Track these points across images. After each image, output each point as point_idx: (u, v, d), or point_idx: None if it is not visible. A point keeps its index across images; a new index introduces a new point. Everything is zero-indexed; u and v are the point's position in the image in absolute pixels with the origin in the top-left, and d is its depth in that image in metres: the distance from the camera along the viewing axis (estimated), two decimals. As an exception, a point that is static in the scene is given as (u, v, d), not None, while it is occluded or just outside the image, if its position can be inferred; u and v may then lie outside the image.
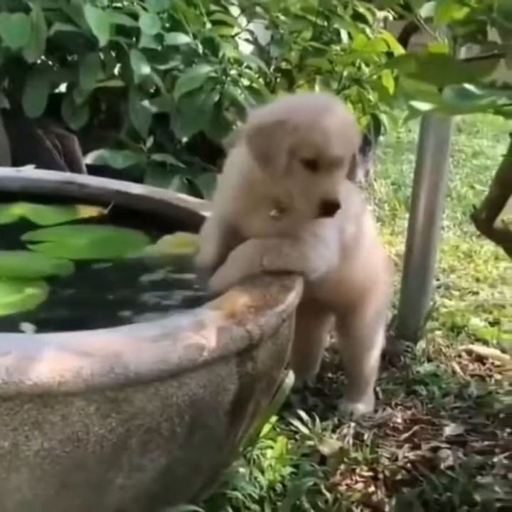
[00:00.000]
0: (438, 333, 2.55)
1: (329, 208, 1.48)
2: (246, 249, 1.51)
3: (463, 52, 1.43)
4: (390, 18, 4.00)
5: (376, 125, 3.46)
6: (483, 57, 1.19)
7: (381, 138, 4.89)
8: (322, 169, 1.47)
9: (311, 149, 1.46)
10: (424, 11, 1.25)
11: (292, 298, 1.46)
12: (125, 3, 2.66)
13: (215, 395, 1.28)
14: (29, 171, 2.13)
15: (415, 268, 2.50)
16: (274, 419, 1.79)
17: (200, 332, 1.24)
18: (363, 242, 1.80)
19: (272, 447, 1.75)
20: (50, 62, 2.64)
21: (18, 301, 1.39)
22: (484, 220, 1.34)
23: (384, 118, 3.58)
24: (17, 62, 2.49)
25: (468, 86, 0.92)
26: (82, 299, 1.47)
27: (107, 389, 1.14)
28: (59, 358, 1.11)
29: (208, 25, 2.74)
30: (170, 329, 1.23)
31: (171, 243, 1.73)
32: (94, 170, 2.35)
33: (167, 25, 2.69)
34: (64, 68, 2.59)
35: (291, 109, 1.50)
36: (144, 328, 1.24)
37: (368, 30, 3.45)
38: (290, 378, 1.73)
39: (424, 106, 0.94)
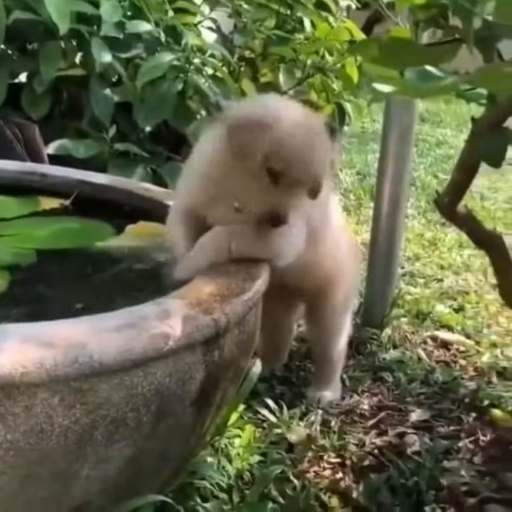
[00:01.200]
0: (403, 320, 2.57)
1: (275, 220, 1.50)
2: (213, 237, 1.50)
3: (427, 38, 1.43)
4: (353, 7, 4.02)
5: (341, 114, 3.46)
6: (445, 42, 1.19)
7: (346, 128, 4.91)
8: (282, 184, 1.48)
9: (281, 164, 1.46)
10: (386, -5, 1.25)
11: (258, 286, 1.45)
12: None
13: (181, 385, 1.27)
14: (-12, 161, 2.09)
15: (380, 256, 2.51)
16: (241, 407, 1.79)
17: (166, 321, 1.23)
18: (330, 228, 1.80)
19: (239, 436, 1.75)
20: (10, 51, 2.59)
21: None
22: (447, 205, 1.35)
23: (348, 107, 3.59)
24: (-25, 51, 2.44)
25: (429, 68, 0.92)
26: (44, 289, 1.44)
27: (71, 379, 1.12)
28: (21, 349, 1.09)
29: (171, 13, 2.71)
30: (135, 318, 1.22)
31: (135, 233, 1.72)
32: (56, 160, 2.32)
33: (129, 13, 2.65)
34: (24, 57, 2.54)
35: (277, 118, 1.49)
36: (108, 318, 1.22)
37: (331, 19, 3.44)
38: (257, 367, 1.72)
39: (386, 88, 0.93)
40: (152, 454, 1.31)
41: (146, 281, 1.53)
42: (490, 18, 0.99)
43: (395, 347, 2.39)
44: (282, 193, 1.49)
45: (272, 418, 1.88)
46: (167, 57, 2.49)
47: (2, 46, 2.55)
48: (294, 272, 1.68)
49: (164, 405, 1.25)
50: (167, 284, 1.43)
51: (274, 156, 1.46)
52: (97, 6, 2.47)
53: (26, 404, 1.11)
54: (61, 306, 1.38)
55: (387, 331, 2.46)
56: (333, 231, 1.82)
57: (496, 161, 1.19)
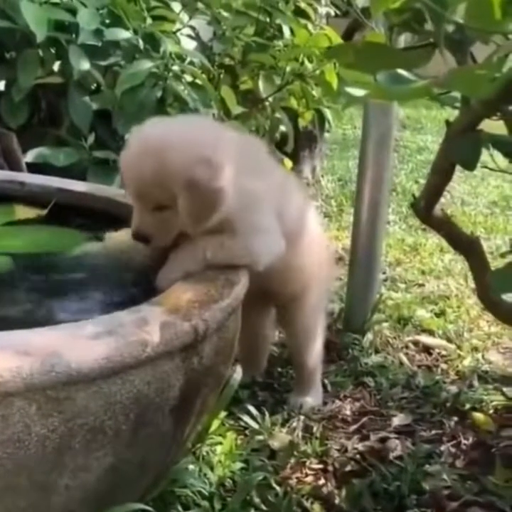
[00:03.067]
0: (385, 325, 2.57)
1: (135, 238, 1.55)
2: (188, 246, 1.50)
3: (403, 43, 1.44)
4: (332, 14, 4.03)
5: (320, 120, 3.47)
6: (420, 46, 1.20)
7: (327, 135, 4.93)
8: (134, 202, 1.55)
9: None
10: (361, 0, 1.25)
11: (237, 291, 1.44)
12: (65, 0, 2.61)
13: (160, 392, 1.26)
14: (-34, 171, 2.08)
15: (361, 261, 2.52)
16: (223, 414, 1.79)
17: (143, 328, 1.22)
18: (306, 231, 1.81)
19: (221, 443, 1.75)
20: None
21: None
22: (423, 209, 1.36)
23: (328, 113, 3.60)
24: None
25: (401, 71, 0.92)
26: (19, 298, 1.43)
27: (48, 388, 1.11)
28: (-3, 358, 1.08)
29: (149, 21, 2.70)
30: (112, 326, 1.21)
31: (115, 241, 1.71)
32: (34, 168, 2.30)
33: (107, 21, 2.65)
34: (1, 65, 2.52)
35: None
36: (85, 326, 1.21)
37: (310, 26, 3.45)
38: (238, 373, 1.72)
39: (359, 92, 0.94)
40: (132, 463, 1.30)
41: (123, 288, 1.52)
42: (462, 21, 1.00)
43: (376, 352, 2.40)
44: (136, 211, 1.55)
45: (254, 425, 1.88)
46: (146, 65, 2.48)
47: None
48: (271, 276, 1.68)
49: (143, 413, 1.24)
50: (145, 293, 1.42)
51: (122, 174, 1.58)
52: (75, 14, 2.46)
53: (3, 413, 1.09)
54: (37, 314, 1.37)
55: (369, 335, 2.46)
56: (308, 235, 1.83)
57: (471, 164, 1.20)
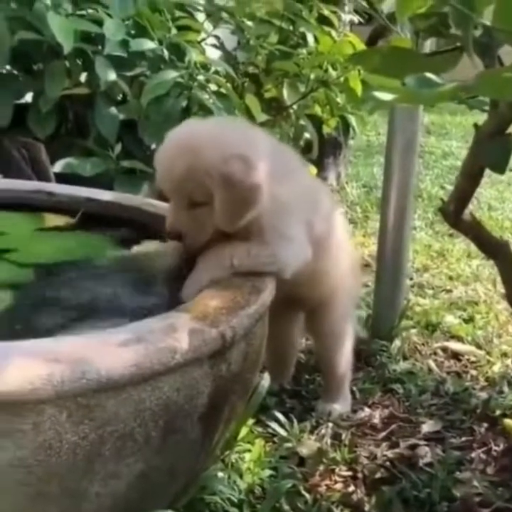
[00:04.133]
0: (413, 331, 2.56)
1: (169, 236, 1.57)
2: (214, 253, 1.50)
3: (430, 48, 1.43)
4: (356, 21, 4.03)
5: (345, 127, 3.46)
6: (446, 51, 1.19)
7: (351, 141, 4.93)
8: (169, 200, 1.57)
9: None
10: (386, 6, 1.25)
11: (264, 298, 1.44)
12: (89, 10, 2.64)
13: (189, 399, 1.26)
14: (-5, 181, 2.10)
15: (388, 268, 2.51)
16: (251, 422, 1.78)
17: (172, 335, 1.23)
18: (334, 237, 1.81)
19: (249, 450, 1.74)
20: (15, 72, 2.60)
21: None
22: (452, 213, 1.35)
23: (353, 120, 3.60)
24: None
25: (429, 75, 0.92)
26: (48, 305, 1.44)
27: (79, 395, 1.12)
28: (28, 365, 1.09)
29: (174, 31, 2.72)
30: (141, 333, 1.21)
31: (142, 249, 1.71)
32: (62, 178, 2.32)
33: (132, 31, 2.67)
34: (29, 77, 2.55)
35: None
36: (115, 333, 1.22)
37: (333, 33, 3.46)
38: (266, 380, 1.72)
39: (386, 96, 0.93)
40: (162, 470, 1.30)
41: (150, 295, 1.52)
42: (489, 24, 0.99)
43: (404, 358, 2.38)
44: (171, 209, 1.56)
45: (282, 432, 1.88)
46: (171, 75, 2.50)
47: (7, 67, 2.56)
48: (299, 283, 1.68)
49: (172, 420, 1.25)
50: (172, 300, 1.42)
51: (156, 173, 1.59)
52: (101, 25, 2.49)
53: (34, 420, 1.10)
54: (66, 322, 1.38)
55: (397, 342, 2.45)
56: (336, 241, 1.82)
57: (500, 167, 1.19)
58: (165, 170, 1.54)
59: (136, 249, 1.72)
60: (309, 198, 1.68)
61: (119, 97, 2.64)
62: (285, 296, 1.67)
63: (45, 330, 1.31)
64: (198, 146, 1.49)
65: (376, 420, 2.03)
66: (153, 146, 2.62)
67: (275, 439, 1.87)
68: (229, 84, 2.96)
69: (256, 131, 1.65)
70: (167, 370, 1.20)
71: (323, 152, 4.12)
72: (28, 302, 1.45)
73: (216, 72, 2.92)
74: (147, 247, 1.70)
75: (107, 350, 1.16)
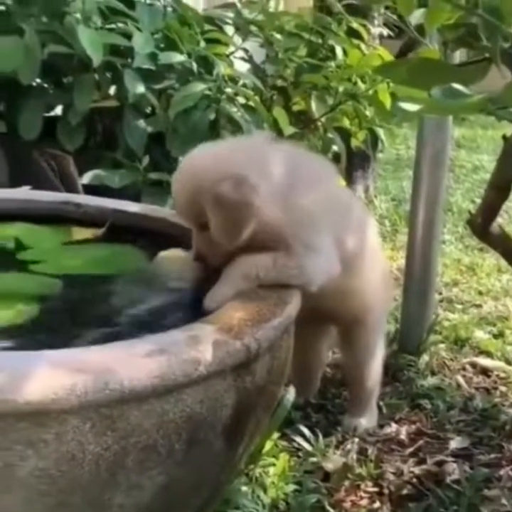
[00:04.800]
0: (441, 346, 2.53)
1: (195, 260, 1.59)
2: (239, 265, 1.49)
3: (458, 59, 1.42)
4: (385, 34, 4.03)
5: (374, 140, 3.45)
6: (475, 62, 1.18)
7: (380, 155, 4.90)
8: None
9: None
10: (414, 17, 1.24)
11: (290, 310, 1.43)
12: (119, 24, 2.67)
13: (212, 411, 1.25)
14: (25, 193, 2.12)
15: (416, 282, 2.49)
16: (276, 436, 1.77)
17: (196, 347, 1.22)
18: (367, 254, 1.78)
19: (274, 465, 1.73)
20: (45, 84, 2.63)
21: (7, 316, 1.37)
22: (480, 226, 1.33)
23: (381, 133, 3.58)
24: (12, 85, 2.48)
25: (456, 86, 0.91)
26: (74, 316, 1.45)
27: (102, 406, 1.12)
28: (52, 375, 1.09)
29: (202, 44, 2.74)
30: (165, 344, 1.21)
31: (167, 260, 1.71)
32: (90, 190, 2.34)
33: (162, 45, 2.69)
34: (59, 90, 2.58)
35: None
36: (138, 344, 1.21)
37: (362, 46, 3.45)
38: (291, 394, 1.71)
39: (412, 107, 0.92)
40: (185, 482, 1.29)
41: (176, 307, 1.52)
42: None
43: (432, 374, 2.35)
44: (195, 237, 1.58)
45: (307, 446, 1.86)
46: (199, 87, 2.51)
47: (38, 80, 2.59)
48: (330, 297, 1.67)
49: (196, 432, 1.24)
50: (197, 312, 1.42)
51: None
52: (129, 38, 2.51)
53: (57, 431, 1.10)
54: (91, 333, 1.38)
55: (425, 357, 2.42)
56: (369, 256, 1.80)
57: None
58: (176, 194, 1.60)
59: (161, 255, 1.72)
60: (339, 209, 1.66)
61: (148, 110, 2.66)
62: (316, 310, 1.66)
63: (71, 341, 1.31)
64: (196, 171, 1.55)
65: (403, 436, 2.00)
66: (180, 159, 2.63)
67: (300, 453, 1.86)
68: (257, 97, 2.96)
69: (269, 147, 1.63)
70: (190, 381, 1.19)
71: (351, 165, 4.11)
72: (55, 314, 1.46)
73: (244, 85, 2.93)
74: (172, 257, 1.69)
75: (130, 361, 1.15)
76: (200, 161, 1.58)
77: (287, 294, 1.48)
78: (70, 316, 1.46)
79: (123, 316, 1.48)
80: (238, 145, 1.70)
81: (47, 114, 2.60)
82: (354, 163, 4.30)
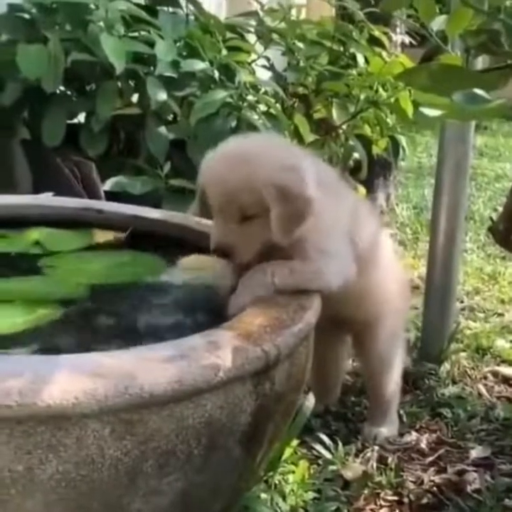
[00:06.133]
0: (463, 354, 2.51)
1: (216, 252, 1.54)
2: (256, 272, 1.50)
3: (481, 65, 1.42)
4: (407, 42, 4.02)
5: (395, 148, 3.44)
6: (497, 68, 1.17)
7: (402, 163, 4.89)
8: (213, 214, 1.55)
9: (205, 193, 1.57)
10: (436, 24, 1.24)
11: (309, 317, 1.43)
12: (142, 32, 2.68)
13: (232, 417, 1.25)
14: (47, 198, 2.14)
15: (437, 290, 2.48)
16: (295, 443, 1.76)
17: (216, 352, 1.22)
18: (380, 257, 1.79)
19: (293, 472, 1.72)
20: (69, 92, 2.66)
21: (29, 321, 1.38)
22: (502, 233, 1.32)
23: (403, 141, 3.57)
24: (36, 93, 2.51)
25: (478, 91, 0.90)
26: (95, 321, 1.46)
27: (122, 410, 1.12)
28: (72, 380, 1.10)
29: (224, 52, 2.75)
30: (184, 350, 1.21)
31: (189, 265, 1.72)
32: (112, 196, 2.36)
33: (184, 52, 2.70)
34: (82, 97, 2.60)
35: (215, 153, 1.61)
36: (159, 349, 1.22)
37: (384, 54, 3.45)
38: (310, 401, 1.70)
39: (433, 112, 0.92)
40: (203, 488, 1.29)
41: (197, 313, 1.52)
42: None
43: (454, 382, 2.34)
44: (217, 225, 1.54)
45: (327, 454, 1.85)
46: (220, 95, 2.52)
47: (61, 87, 2.61)
48: (344, 302, 1.67)
49: (215, 438, 1.24)
50: (217, 318, 1.42)
51: (202, 188, 1.57)
52: (152, 46, 2.52)
53: (77, 435, 1.11)
54: (112, 337, 1.39)
55: (446, 365, 2.40)
56: (383, 261, 1.80)
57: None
58: (216, 183, 1.53)
59: (180, 265, 1.72)
60: (353, 215, 1.67)
61: (170, 117, 2.67)
62: (331, 317, 1.66)
63: (91, 345, 1.31)
64: (252, 159, 1.50)
65: (423, 445, 1.99)
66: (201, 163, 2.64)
67: (320, 461, 1.85)
68: (278, 105, 2.97)
69: (298, 148, 1.66)
70: (210, 387, 1.20)
71: (373, 173, 4.10)
72: (76, 318, 1.47)
73: (266, 93, 2.94)
74: (191, 263, 1.70)
75: (150, 366, 1.16)
76: (252, 150, 1.54)
77: (307, 301, 1.48)
78: (91, 321, 1.47)
79: (143, 321, 1.49)
80: (277, 141, 1.70)
81: (70, 122, 2.62)
82: (375, 171, 4.29)
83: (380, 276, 1.81)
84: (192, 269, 1.72)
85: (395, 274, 1.92)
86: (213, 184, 1.54)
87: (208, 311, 1.54)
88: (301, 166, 1.51)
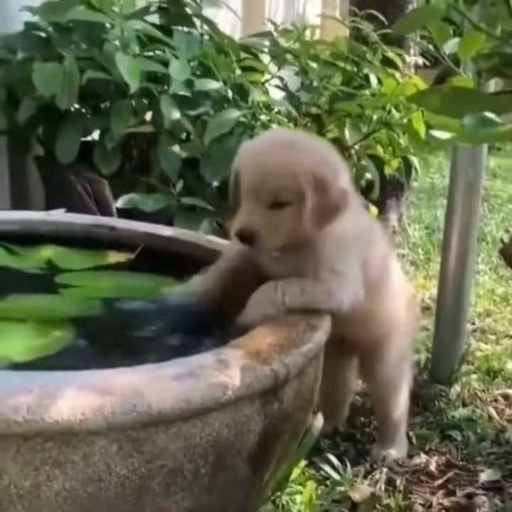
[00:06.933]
0: (473, 377, 2.49)
1: (240, 236, 1.51)
2: (265, 291, 1.50)
3: (493, 88, 1.42)
4: (421, 63, 4.03)
5: (407, 168, 3.44)
6: (509, 91, 1.18)
7: (415, 183, 4.89)
8: (243, 198, 1.52)
9: (239, 177, 1.55)
10: (449, 47, 1.25)
11: (319, 337, 1.43)
12: (157, 52, 2.71)
13: (240, 436, 1.25)
14: (59, 215, 2.15)
15: (448, 311, 2.47)
16: (303, 463, 1.76)
17: (224, 371, 1.22)
18: (389, 278, 1.78)
19: (301, 493, 1.71)
20: (83, 110, 2.68)
21: (44, 345, 1.39)
22: (512, 255, 1.32)
23: (415, 161, 3.57)
24: (50, 110, 2.53)
25: (488, 114, 0.90)
26: (107, 340, 1.46)
27: (129, 428, 1.12)
28: (80, 396, 1.10)
29: (238, 72, 2.77)
30: (193, 368, 1.21)
31: (197, 284, 1.72)
32: (124, 214, 2.37)
33: (198, 72, 2.73)
34: (96, 115, 2.63)
35: (252, 141, 1.66)
36: (167, 367, 1.22)
37: (397, 75, 3.46)
38: (319, 421, 1.70)
39: (443, 135, 0.92)
40: (211, 507, 1.29)
41: (205, 331, 1.53)
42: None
43: (464, 405, 2.32)
44: (245, 209, 1.51)
45: (336, 475, 1.84)
46: (234, 114, 2.53)
47: (76, 105, 2.63)
48: (353, 323, 1.67)
49: (222, 457, 1.24)
50: (224, 335, 1.42)
51: (237, 172, 1.55)
52: (167, 65, 2.54)
53: (85, 452, 1.11)
54: (122, 356, 1.39)
55: (456, 387, 2.39)
56: (392, 282, 1.80)
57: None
58: (254, 165, 1.51)
59: (190, 283, 1.72)
60: (365, 236, 1.67)
61: (183, 136, 2.68)
62: (339, 337, 1.66)
63: (101, 363, 1.32)
64: (294, 145, 1.52)
65: (432, 467, 1.97)
66: (214, 184, 2.66)
67: (328, 482, 1.84)
68: (291, 124, 2.98)
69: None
70: (218, 406, 1.20)
71: (385, 193, 4.10)
72: (87, 337, 1.48)
73: (279, 113, 2.95)
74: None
75: (158, 384, 1.16)
76: (294, 139, 1.58)
77: (317, 320, 1.48)
78: (102, 339, 1.48)
79: (153, 340, 1.49)
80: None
81: (84, 139, 2.64)
82: (388, 192, 4.29)
83: (388, 297, 1.80)
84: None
85: (403, 295, 1.92)
86: (251, 166, 1.52)
87: (217, 328, 1.54)
88: (339, 162, 1.55)
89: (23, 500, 1.11)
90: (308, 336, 1.40)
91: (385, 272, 1.77)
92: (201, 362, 1.24)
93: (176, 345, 1.46)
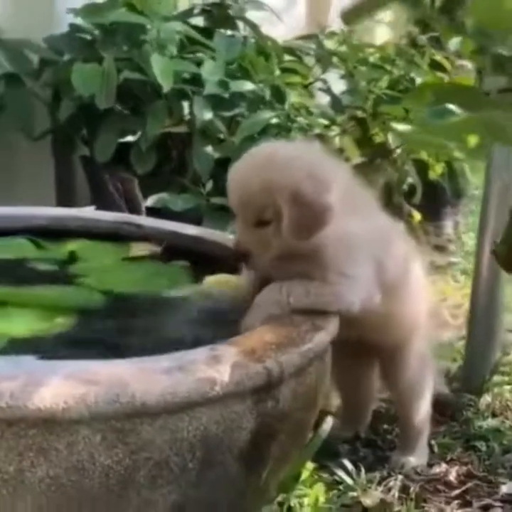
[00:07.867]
0: (507, 387, 2.42)
1: (234, 256, 1.55)
2: (270, 291, 1.50)
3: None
4: (469, 66, 3.95)
5: (450, 173, 3.38)
6: (506, 90, 1.14)
7: (475, 192, 4.78)
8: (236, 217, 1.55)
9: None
10: (453, 44, 1.22)
11: (322, 337, 1.41)
12: (198, 54, 2.73)
13: (229, 433, 1.25)
14: (89, 212, 2.19)
15: (481, 319, 2.41)
16: (313, 466, 1.74)
17: (214, 366, 1.22)
18: (410, 281, 1.75)
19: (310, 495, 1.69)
20: (122, 110, 2.72)
21: (44, 329, 1.41)
22: (506, 254, 1.27)
23: (466, 168, 3.51)
24: (90, 111, 2.58)
25: (451, 106, 0.88)
26: (109, 331, 1.48)
27: (112, 418, 1.13)
28: (65, 385, 1.12)
29: (277, 73, 2.77)
30: (183, 362, 1.21)
31: (213, 283, 1.72)
32: (154, 213, 2.39)
33: (238, 74, 2.73)
34: (134, 115, 2.66)
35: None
36: (159, 360, 1.22)
37: (446, 78, 3.40)
38: (328, 423, 1.67)
39: (403, 127, 0.90)
40: (200, 503, 1.28)
41: (210, 328, 1.53)
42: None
43: (493, 415, 2.25)
44: (237, 229, 1.55)
45: (349, 480, 1.81)
46: (267, 115, 2.54)
47: (116, 106, 2.67)
48: (372, 326, 1.65)
49: (211, 453, 1.23)
50: (229, 334, 1.42)
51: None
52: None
53: (68, 440, 1.12)
54: (119, 348, 1.40)
55: (487, 398, 2.32)
56: (412, 285, 1.76)
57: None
58: (237, 186, 1.54)
59: (208, 280, 1.73)
60: (381, 238, 1.64)
61: (219, 136, 2.69)
62: (358, 341, 1.64)
63: (94, 354, 1.33)
64: (272, 164, 1.51)
65: (452, 477, 1.92)
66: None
67: (341, 486, 1.81)
68: (335, 127, 2.97)
69: (335, 161, 1.65)
70: (205, 401, 1.19)
71: (440, 201, 4.03)
72: (90, 327, 1.49)
73: (322, 115, 2.94)
74: (214, 281, 1.70)
75: (144, 376, 1.16)
76: (275, 156, 1.54)
77: (322, 321, 1.46)
78: (106, 331, 1.49)
79: (156, 334, 1.50)
80: (309, 148, 1.69)
81: (123, 140, 2.68)
82: (443, 199, 4.21)
83: (409, 300, 1.77)
84: (217, 286, 1.72)
85: (424, 300, 1.88)
86: (235, 187, 1.55)
87: (223, 326, 1.54)
88: (327, 177, 1.51)
89: (8, 485, 1.12)
90: (309, 336, 1.39)
91: (404, 274, 1.74)
92: (193, 357, 1.24)
93: (177, 340, 1.45)
